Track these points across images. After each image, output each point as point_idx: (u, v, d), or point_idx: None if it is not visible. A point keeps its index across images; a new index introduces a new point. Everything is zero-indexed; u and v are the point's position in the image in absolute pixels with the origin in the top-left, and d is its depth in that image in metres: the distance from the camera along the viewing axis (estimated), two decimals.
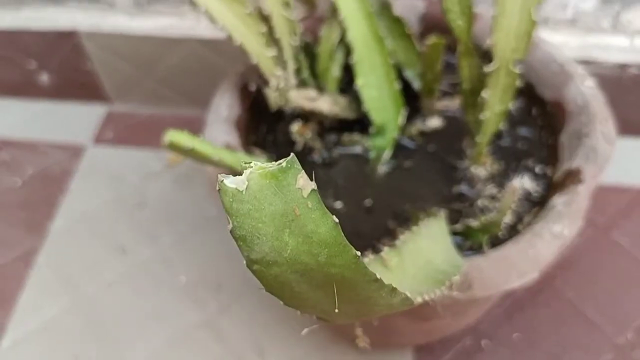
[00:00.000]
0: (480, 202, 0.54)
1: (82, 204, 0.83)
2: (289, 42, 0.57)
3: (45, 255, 0.78)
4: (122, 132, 0.92)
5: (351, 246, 0.24)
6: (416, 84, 0.61)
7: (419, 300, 0.32)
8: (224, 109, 0.59)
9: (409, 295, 0.29)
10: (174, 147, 0.46)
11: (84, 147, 0.90)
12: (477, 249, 0.51)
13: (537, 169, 0.56)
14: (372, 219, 0.54)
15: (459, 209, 0.54)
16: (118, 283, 0.75)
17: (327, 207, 0.55)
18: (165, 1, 0.83)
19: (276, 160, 0.22)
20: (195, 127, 0.62)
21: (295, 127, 0.59)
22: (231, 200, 0.22)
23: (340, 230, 0.24)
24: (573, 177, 0.50)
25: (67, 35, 0.87)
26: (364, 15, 0.57)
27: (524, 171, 0.56)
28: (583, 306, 0.67)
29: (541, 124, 0.59)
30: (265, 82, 0.56)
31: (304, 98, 0.57)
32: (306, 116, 0.60)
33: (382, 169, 0.58)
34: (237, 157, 0.50)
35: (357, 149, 0.59)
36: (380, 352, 0.66)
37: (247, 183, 0.22)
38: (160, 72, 0.88)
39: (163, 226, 0.80)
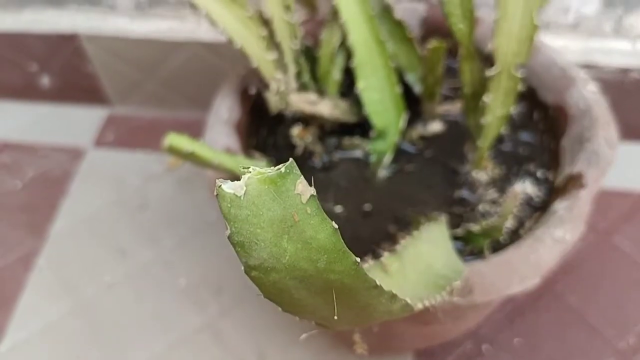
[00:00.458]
0: (481, 207, 0.54)
1: (82, 207, 0.83)
2: (290, 45, 0.57)
3: (45, 258, 0.78)
4: (122, 135, 0.92)
5: (351, 252, 0.24)
6: (417, 88, 0.60)
7: (419, 306, 0.32)
8: (224, 112, 0.58)
9: (409, 301, 0.29)
10: (173, 151, 0.46)
11: (85, 149, 0.90)
12: (478, 254, 0.51)
13: (539, 174, 0.56)
14: (373, 223, 0.54)
15: (460, 214, 0.54)
16: (119, 286, 0.75)
17: (327, 211, 0.55)
18: (166, 4, 0.83)
19: (276, 164, 0.22)
20: (196, 129, 0.62)
21: (296, 130, 0.59)
22: (229, 205, 0.22)
23: (340, 237, 0.24)
24: (575, 181, 0.50)
25: (68, 38, 0.87)
26: (365, 19, 0.57)
27: (525, 176, 0.56)
28: (584, 311, 0.67)
29: (543, 129, 0.59)
30: (265, 85, 0.56)
31: (304, 101, 0.57)
32: (307, 120, 0.60)
33: (382, 173, 0.57)
34: (237, 161, 0.50)
35: (358, 153, 0.59)
36: (381, 356, 0.65)
37: (245, 188, 0.22)
38: (161, 75, 0.88)
39: (164, 229, 0.80)
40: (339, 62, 0.60)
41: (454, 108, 0.61)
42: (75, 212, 0.83)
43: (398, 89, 0.57)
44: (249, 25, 0.54)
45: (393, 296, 0.28)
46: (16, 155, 0.91)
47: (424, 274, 0.40)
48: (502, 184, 0.55)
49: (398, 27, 0.59)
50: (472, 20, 0.49)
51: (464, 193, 0.55)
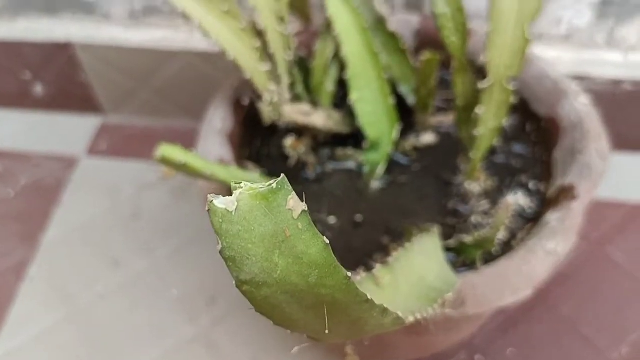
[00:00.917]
0: (474, 218, 0.54)
1: (75, 216, 0.83)
2: (283, 56, 0.57)
3: (37, 267, 0.78)
4: (116, 144, 0.92)
5: (342, 267, 0.24)
6: (410, 99, 0.61)
7: (410, 319, 0.32)
8: (217, 123, 0.58)
9: (400, 315, 0.29)
10: (166, 162, 0.46)
11: (78, 158, 0.90)
12: (470, 266, 0.51)
13: (531, 185, 0.56)
14: (366, 234, 0.54)
15: (452, 225, 0.54)
16: (112, 295, 0.74)
17: (321, 222, 0.55)
18: (160, 14, 0.83)
19: (269, 175, 0.22)
20: (189, 139, 0.62)
21: (289, 141, 0.59)
22: (221, 221, 0.22)
23: (331, 252, 0.24)
24: (567, 193, 0.50)
25: (62, 46, 0.87)
26: (359, 31, 0.57)
27: (517, 187, 0.56)
28: (577, 321, 0.67)
29: (535, 140, 0.59)
30: (259, 96, 0.56)
31: (297, 112, 0.57)
32: (300, 131, 0.60)
33: (375, 184, 0.58)
34: (230, 172, 0.50)
35: (351, 164, 0.59)
36: None
37: (236, 204, 0.22)
38: (155, 84, 0.88)
39: (157, 238, 0.79)
40: (333, 73, 0.60)
41: (447, 119, 0.61)
42: (68, 221, 0.82)
43: (391, 100, 0.58)
44: (242, 37, 0.54)
45: (384, 310, 0.28)
46: (9, 163, 0.91)
47: (416, 286, 0.40)
48: (494, 195, 0.56)
49: (392, 39, 0.60)
50: (464, 32, 0.49)
51: (456, 204, 0.55)
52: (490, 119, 0.51)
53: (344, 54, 0.57)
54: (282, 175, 0.22)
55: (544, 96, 0.59)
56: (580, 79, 0.72)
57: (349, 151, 0.59)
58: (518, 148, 0.59)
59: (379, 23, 0.59)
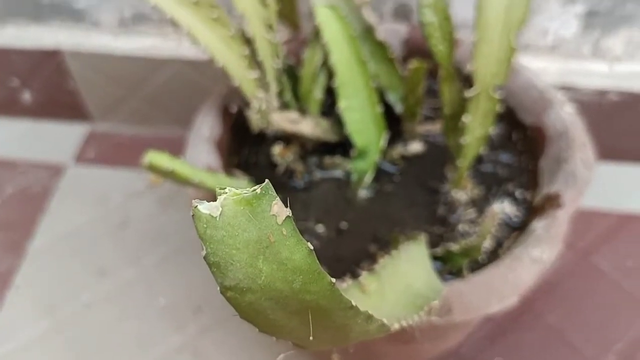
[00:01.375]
0: (460, 227, 0.54)
1: (62, 224, 0.82)
2: (272, 64, 0.57)
3: (23, 276, 0.77)
4: (104, 152, 0.91)
5: (326, 273, 0.24)
6: (398, 108, 0.61)
7: (396, 326, 0.32)
8: (205, 130, 0.58)
9: (385, 322, 0.29)
10: (153, 169, 0.46)
11: (65, 166, 0.90)
12: (457, 274, 0.51)
13: (517, 194, 0.56)
14: (353, 243, 0.54)
15: (439, 233, 0.54)
16: (98, 304, 0.74)
17: (309, 231, 0.55)
18: (149, 21, 0.83)
19: (257, 183, 0.22)
20: (178, 147, 0.61)
21: (277, 149, 0.59)
22: (205, 226, 0.22)
23: (315, 258, 0.24)
24: (552, 201, 0.51)
25: (51, 54, 0.86)
26: (347, 39, 0.58)
27: (504, 196, 0.56)
28: (564, 330, 0.67)
29: (521, 149, 0.60)
30: (247, 103, 0.56)
31: (286, 120, 0.57)
32: (288, 138, 0.60)
33: (363, 192, 0.58)
34: (218, 180, 0.50)
35: (339, 172, 0.59)
36: None
37: (221, 209, 0.22)
38: (144, 92, 0.88)
39: (145, 247, 0.79)
40: (321, 81, 0.60)
41: (435, 128, 0.61)
42: (54, 230, 0.82)
43: (379, 109, 0.58)
44: (230, 44, 0.54)
45: (369, 317, 0.28)
46: None
47: (403, 293, 0.40)
48: (481, 203, 0.56)
49: (380, 47, 0.60)
50: (451, 41, 0.50)
51: (443, 213, 0.56)
52: (477, 127, 0.51)
53: (333, 62, 0.57)
54: (267, 180, 0.22)
55: (530, 105, 0.59)
56: (566, 89, 0.73)
57: (337, 159, 0.60)
58: (504, 157, 0.59)
59: (368, 32, 0.60)
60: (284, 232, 0.23)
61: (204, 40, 0.53)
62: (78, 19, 0.85)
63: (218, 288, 0.24)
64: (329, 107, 0.61)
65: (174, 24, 0.51)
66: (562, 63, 0.76)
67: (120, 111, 0.92)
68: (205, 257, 0.23)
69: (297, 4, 0.64)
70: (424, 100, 0.58)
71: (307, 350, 0.31)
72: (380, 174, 0.59)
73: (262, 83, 0.57)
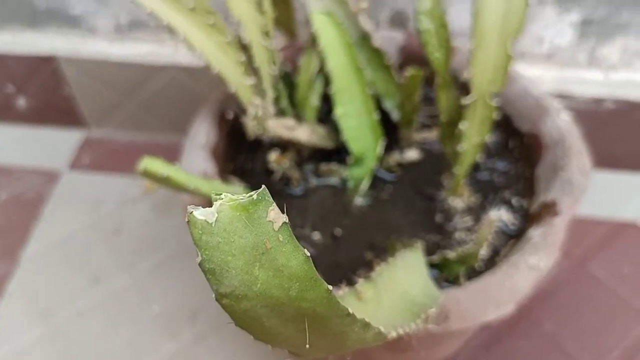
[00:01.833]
0: (457, 234, 0.54)
1: (56, 231, 0.82)
2: (268, 71, 0.57)
3: (16, 283, 0.77)
4: (99, 158, 0.91)
5: (323, 280, 0.24)
6: (395, 115, 0.61)
7: (392, 334, 0.32)
8: (201, 137, 0.58)
9: (382, 329, 0.29)
10: (148, 175, 0.45)
11: (60, 172, 0.89)
12: (453, 281, 0.51)
13: (514, 201, 0.56)
14: (349, 250, 0.54)
15: (436, 241, 0.54)
16: (92, 312, 0.73)
17: (305, 238, 0.54)
18: (145, 28, 0.83)
19: (252, 190, 0.22)
20: (174, 153, 0.61)
21: (273, 156, 0.59)
22: (200, 232, 0.22)
23: (312, 264, 0.23)
24: (549, 209, 0.51)
25: (47, 60, 0.86)
26: (344, 46, 0.58)
27: (500, 203, 0.56)
28: (560, 337, 0.67)
29: (518, 157, 0.60)
30: (243, 110, 0.56)
31: (282, 127, 0.57)
32: (284, 145, 0.60)
33: (359, 200, 0.58)
34: (213, 186, 0.50)
35: (335, 179, 0.59)
36: None
37: (216, 215, 0.22)
38: (140, 98, 0.88)
39: (139, 254, 0.79)
40: (317, 88, 0.60)
41: (431, 135, 0.61)
42: (48, 236, 0.81)
43: (376, 116, 0.58)
44: (227, 51, 0.54)
45: (366, 324, 0.28)
46: None
47: (399, 301, 0.39)
48: (477, 211, 0.56)
49: (376, 54, 0.60)
50: (448, 49, 0.50)
51: (440, 220, 0.55)
52: (474, 134, 0.51)
53: (329, 69, 0.57)
54: (263, 186, 0.22)
55: (526, 113, 0.59)
56: (562, 97, 0.73)
57: (333, 167, 0.59)
58: (501, 164, 0.59)
59: (364, 39, 0.60)
60: (281, 239, 0.22)
61: (200, 46, 0.52)
62: (74, 25, 0.85)
63: (213, 295, 0.24)
64: (326, 114, 0.61)
65: (170, 30, 0.51)
66: (558, 71, 0.76)
67: (115, 117, 0.92)
68: (200, 264, 0.23)
69: (293, 10, 0.64)
70: (420, 107, 0.58)
71: (303, 359, 0.30)
72: (376, 182, 0.59)
73: (259, 90, 0.57)
